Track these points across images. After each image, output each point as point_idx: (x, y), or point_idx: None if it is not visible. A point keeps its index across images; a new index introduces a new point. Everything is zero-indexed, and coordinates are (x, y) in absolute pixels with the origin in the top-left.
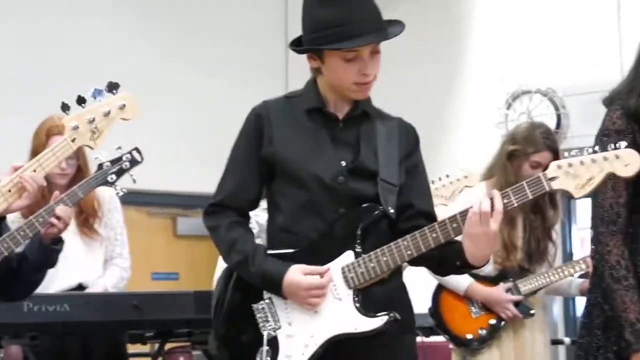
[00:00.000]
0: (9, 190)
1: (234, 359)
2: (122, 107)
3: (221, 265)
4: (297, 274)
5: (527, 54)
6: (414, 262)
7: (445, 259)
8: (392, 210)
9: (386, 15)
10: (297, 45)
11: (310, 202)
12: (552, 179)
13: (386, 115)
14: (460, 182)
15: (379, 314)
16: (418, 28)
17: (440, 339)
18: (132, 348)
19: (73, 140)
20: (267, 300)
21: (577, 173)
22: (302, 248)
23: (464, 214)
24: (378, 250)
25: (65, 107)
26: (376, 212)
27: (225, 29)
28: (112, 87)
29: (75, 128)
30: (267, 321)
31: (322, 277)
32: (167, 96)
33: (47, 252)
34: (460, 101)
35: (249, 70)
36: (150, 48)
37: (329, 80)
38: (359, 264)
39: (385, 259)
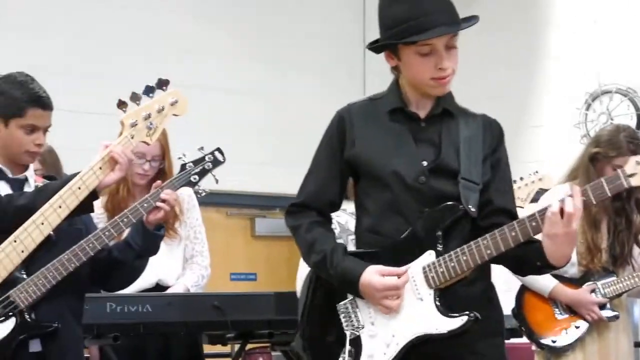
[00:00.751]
0: (100, 167)
1: (319, 358)
2: (174, 103)
3: (304, 264)
4: (373, 275)
5: (607, 54)
6: (495, 260)
7: (526, 258)
8: (473, 209)
9: (463, 15)
10: (375, 45)
11: (394, 202)
12: (631, 175)
13: (470, 112)
14: (535, 184)
15: (458, 314)
16: (497, 29)
17: (522, 340)
18: (209, 349)
19: (132, 137)
20: (350, 300)
21: None
22: (384, 248)
23: (542, 212)
24: (458, 249)
25: (122, 104)
26: (457, 211)
27: (304, 29)
28: (162, 83)
29: (134, 125)
30: (350, 321)
31: (399, 278)
32: (247, 96)
33: (151, 237)
34: (540, 102)
35: (326, 70)
36: (234, 48)
37: (407, 77)
38: (440, 263)
39: (465, 258)
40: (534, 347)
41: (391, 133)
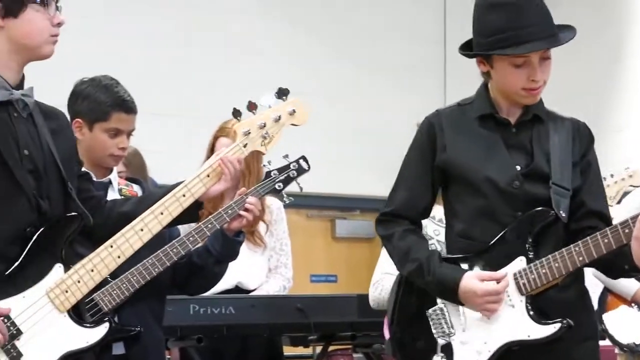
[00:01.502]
0: (208, 175)
1: None
2: (292, 112)
3: (379, 270)
4: (472, 280)
5: None
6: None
7: (614, 262)
8: (564, 215)
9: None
10: (467, 48)
11: (486, 207)
12: None
13: (558, 116)
14: (625, 181)
15: (551, 321)
16: (580, 28)
17: (605, 343)
18: (290, 350)
19: (245, 146)
20: (440, 306)
21: None
22: (475, 255)
23: (635, 218)
24: (550, 256)
25: (236, 113)
26: (548, 217)
27: (384, 30)
28: (282, 93)
29: (247, 133)
30: (441, 327)
31: (498, 282)
32: (327, 98)
33: (230, 244)
34: (626, 100)
35: (407, 71)
36: (314, 50)
37: (498, 85)
38: (531, 270)
39: (557, 265)
40: (616, 350)
41: (482, 139)
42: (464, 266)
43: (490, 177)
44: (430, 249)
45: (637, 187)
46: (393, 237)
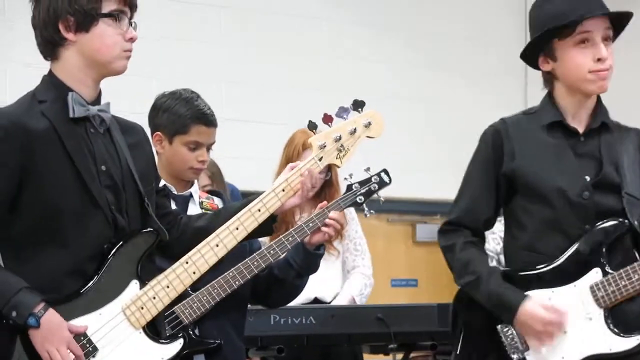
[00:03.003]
0: (283, 190)
1: None
2: (368, 125)
3: None
4: (537, 306)
5: None
6: None
7: None
8: (637, 224)
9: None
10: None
11: (555, 219)
12: None
13: (623, 126)
14: None
15: (634, 334)
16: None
17: None
18: (370, 357)
19: (320, 159)
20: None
21: None
22: (547, 268)
23: None
24: (629, 267)
25: (312, 126)
26: (623, 228)
27: (464, 34)
28: (358, 105)
29: (323, 147)
30: (514, 344)
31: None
32: (407, 102)
33: (311, 257)
34: None
35: (488, 74)
36: (394, 53)
37: (564, 79)
38: (609, 282)
39: (637, 277)
40: None
41: (550, 148)
42: (533, 281)
43: (560, 187)
44: (491, 264)
45: None
46: (455, 247)
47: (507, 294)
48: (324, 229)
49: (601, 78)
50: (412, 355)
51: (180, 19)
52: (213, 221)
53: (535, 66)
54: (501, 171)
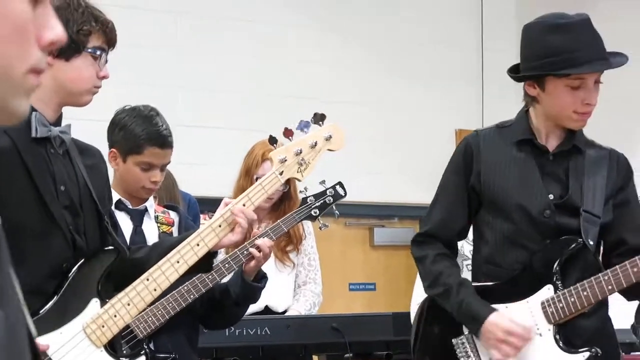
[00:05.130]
0: (219, 225)
1: None
2: (329, 138)
3: (418, 288)
4: (504, 317)
5: None
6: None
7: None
8: (591, 243)
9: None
10: (515, 71)
11: (515, 234)
12: None
13: (597, 145)
14: None
15: (580, 350)
16: (617, 34)
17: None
18: None
19: (281, 174)
20: (467, 335)
21: None
22: (501, 283)
23: None
24: (578, 285)
25: (272, 140)
26: (574, 245)
27: (421, 38)
28: (319, 118)
29: (283, 161)
30: (468, 356)
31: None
32: (364, 106)
33: (249, 288)
34: None
35: (444, 79)
36: (353, 59)
37: (547, 109)
38: (559, 298)
39: (585, 293)
40: None
41: (518, 164)
42: (490, 293)
43: (522, 204)
44: (462, 276)
45: None
46: (426, 259)
47: (475, 305)
48: (252, 251)
49: (584, 119)
50: None
51: (136, 25)
52: (150, 253)
53: (518, 81)
54: (470, 183)
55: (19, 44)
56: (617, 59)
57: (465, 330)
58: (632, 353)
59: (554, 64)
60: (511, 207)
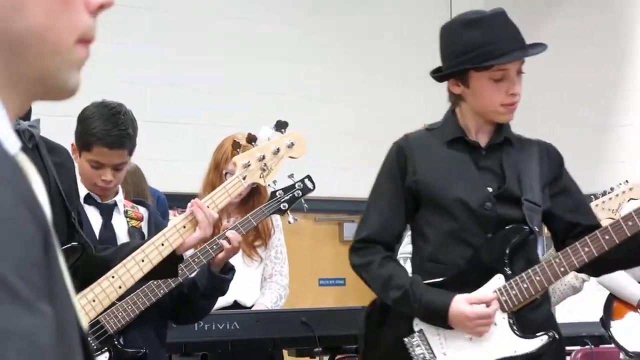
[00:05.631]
0: (184, 227)
1: None
2: (291, 145)
3: None
4: (462, 304)
5: None
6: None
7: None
8: (537, 229)
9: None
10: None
11: (457, 230)
12: None
13: (526, 139)
14: (625, 194)
15: (538, 334)
16: (581, 30)
17: (609, 346)
18: None
19: (244, 178)
20: (418, 333)
21: None
22: (450, 276)
23: (615, 225)
24: (530, 270)
25: (236, 145)
26: (522, 233)
27: (389, 34)
28: (281, 125)
29: (247, 165)
30: (421, 354)
31: (488, 305)
32: (334, 101)
33: (216, 280)
34: (628, 104)
35: (413, 75)
36: (320, 54)
37: (473, 105)
38: (512, 286)
39: (538, 278)
40: (622, 356)
41: (452, 161)
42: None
43: (461, 198)
44: (410, 275)
45: (636, 199)
46: (372, 265)
47: (434, 301)
48: (222, 242)
49: (511, 111)
50: (337, 358)
51: (104, 21)
52: (116, 254)
53: (441, 80)
54: (405, 185)
55: (66, 11)
56: (536, 49)
57: (416, 328)
58: (601, 345)
59: (474, 58)
60: (451, 203)
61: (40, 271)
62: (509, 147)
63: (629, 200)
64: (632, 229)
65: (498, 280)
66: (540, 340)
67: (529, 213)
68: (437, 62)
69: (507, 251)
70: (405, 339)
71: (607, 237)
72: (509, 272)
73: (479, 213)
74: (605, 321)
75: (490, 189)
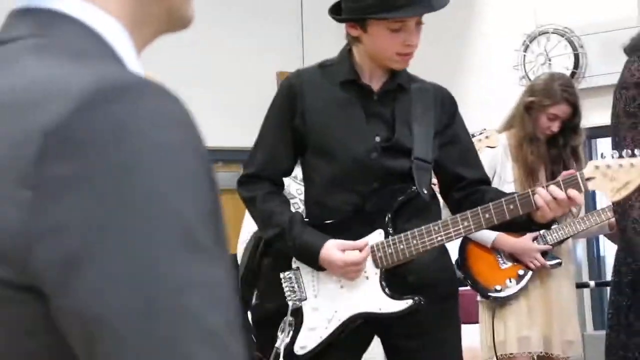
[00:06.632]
0: None
1: (259, 325)
2: None
3: (247, 227)
4: (333, 250)
5: None
6: None
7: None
8: (425, 192)
9: None
10: (336, 11)
11: (341, 176)
12: (589, 179)
13: (420, 82)
14: (481, 142)
15: (404, 297)
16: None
17: (466, 288)
18: None
19: None
20: (294, 270)
21: (615, 176)
22: (334, 221)
23: (497, 205)
24: (409, 232)
25: None
26: (408, 194)
27: (241, 7)
28: None
29: None
30: (294, 291)
31: (360, 251)
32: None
33: None
34: (477, 45)
35: (263, 19)
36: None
37: (369, 49)
38: (389, 244)
39: (415, 242)
40: (478, 298)
41: (342, 105)
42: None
43: (347, 145)
44: (292, 211)
45: (493, 147)
46: (256, 199)
47: (308, 242)
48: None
49: (406, 60)
50: None
51: None
52: None
53: (340, 21)
54: (293, 125)
55: None
56: (439, 2)
57: (294, 265)
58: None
59: (374, 6)
60: (336, 149)
61: (218, 220)
62: (403, 93)
63: (481, 150)
64: (512, 212)
65: (378, 236)
66: (406, 303)
67: (418, 173)
68: (288, 4)
69: (393, 208)
70: (281, 274)
71: (487, 216)
72: (390, 230)
73: (364, 162)
74: (461, 264)
75: (378, 138)
